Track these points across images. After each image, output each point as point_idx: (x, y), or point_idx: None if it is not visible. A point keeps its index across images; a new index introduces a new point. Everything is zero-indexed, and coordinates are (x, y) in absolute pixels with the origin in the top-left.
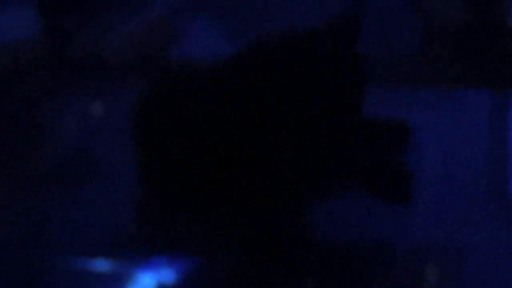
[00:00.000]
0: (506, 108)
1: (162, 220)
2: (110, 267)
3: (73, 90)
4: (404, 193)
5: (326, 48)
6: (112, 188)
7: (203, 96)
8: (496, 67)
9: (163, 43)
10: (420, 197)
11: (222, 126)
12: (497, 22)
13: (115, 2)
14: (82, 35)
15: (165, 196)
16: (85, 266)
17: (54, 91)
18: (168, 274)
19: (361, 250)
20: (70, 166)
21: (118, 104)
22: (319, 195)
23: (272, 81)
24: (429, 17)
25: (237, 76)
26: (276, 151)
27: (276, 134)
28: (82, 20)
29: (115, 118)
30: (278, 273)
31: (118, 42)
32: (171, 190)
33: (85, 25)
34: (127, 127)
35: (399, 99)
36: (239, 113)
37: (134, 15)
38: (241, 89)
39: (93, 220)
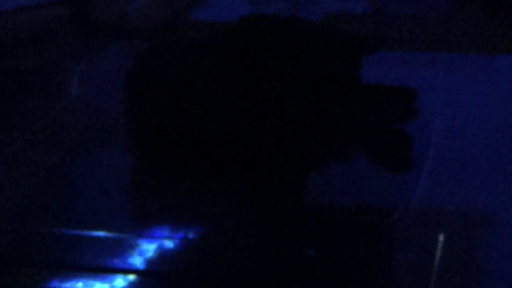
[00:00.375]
0: None
1: (163, 187)
2: (111, 234)
3: (96, 53)
4: (404, 159)
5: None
6: (117, 154)
7: (220, 59)
8: None
9: (187, 6)
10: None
11: (236, 88)
12: None
13: None
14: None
15: (167, 164)
16: (88, 233)
17: (76, 54)
18: (168, 241)
19: (364, 217)
20: (84, 129)
21: (139, 67)
22: (323, 160)
23: (284, 45)
24: None
25: (253, 39)
26: (282, 114)
27: (282, 98)
28: None
29: (135, 80)
30: (279, 240)
31: (141, 5)
32: (174, 157)
33: None
34: (145, 91)
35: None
36: (252, 75)
37: None
38: (255, 51)
39: (96, 187)
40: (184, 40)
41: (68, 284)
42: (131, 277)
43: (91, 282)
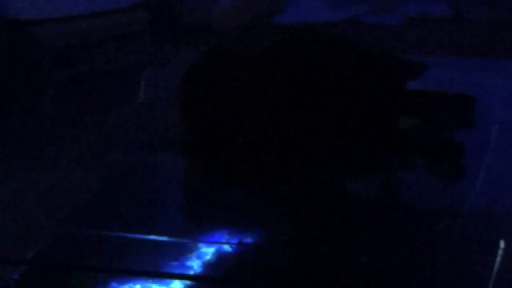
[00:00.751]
0: None
1: (221, 192)
2: (171, 239)
3: (181, 55)
4: (455, 168)
5: None
6: (177, 158)
7: (303, 63)
8: None
9: (269, 10)
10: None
11: (316, 90)
12: None
13: None
14: (190, 1)
15: (226, 168)
16: (149, 237)
17: (149, 58)
18: (226, 245)
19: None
20: (146, 132)
21: (223, 68)
22: (378, 167)
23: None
24: None
25: (336, 44)
26: (338, 123)
27: (338, 107)
28: None
29: (190, 85)
30: (335, 245)
31: (225, 8)
32: (233, 162)
33: None
34: (200, 95)
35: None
36: (305, 87)
37: None
38: (305, 64)
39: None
40: (242, 45)
41: (126, 286)
42: (188, 280)
43: (148, 285)
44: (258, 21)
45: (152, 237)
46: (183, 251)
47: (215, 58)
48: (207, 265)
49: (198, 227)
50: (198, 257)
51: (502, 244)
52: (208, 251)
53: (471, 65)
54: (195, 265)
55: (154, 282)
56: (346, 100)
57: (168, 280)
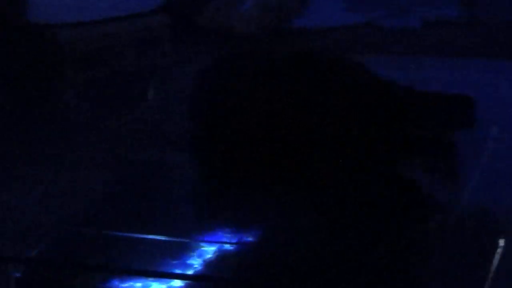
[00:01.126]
0: None
1: (224, 194)
2: (173, 238)
3: (200, 57)
4: (451, 170)
5: None
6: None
7: (319, 67)
8: None
9: (288, 14)
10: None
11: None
12: None
13: None
14: (211, 5)
15: (231, 168)
16: (151, 236)
17: (182, 59)
18: (227, 245)
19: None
20: (153, 134)
21: (242, 71)
22: (376, 169)
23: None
24: None
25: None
26: (339, 124)
27: (336, 110)
28: None
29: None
30: (339, 245)
31: (246, 12)
32: (238, 162)
33: None
34: (210, 97)
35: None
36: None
37: None
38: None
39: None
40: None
41: (126, 285)
42: (189, 279)
43: (149, 283)
44: (278, 25)
45: (155, 236)
46: (186, 249)
47: (230, 63)
48: (209, 264)
49: (203, 227)
50: (200, 256)
51: (501, 243)
52: (210, 249)
53: (487, 67)
54: (196, 264)
55: (154, 280)
56: (346, 112)
57: (168, 280)
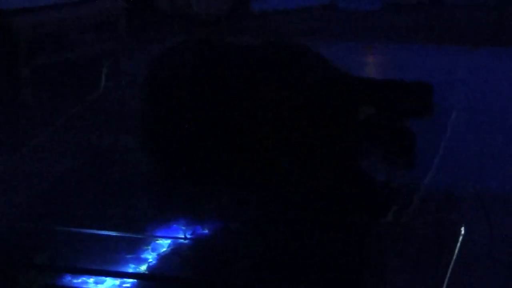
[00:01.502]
0: None
1: (176, 187)
2: (127, 232)
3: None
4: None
5: None
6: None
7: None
8: None
9: None
10: None
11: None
12: None
13: None
14: None
15: (181, 164)
16: (104, 231)
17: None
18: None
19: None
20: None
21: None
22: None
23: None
24: None
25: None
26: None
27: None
28: None
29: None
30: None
31: None
32: (188, 157)
33: None
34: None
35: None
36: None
37: None
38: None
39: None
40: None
41: (79, 280)
42: (142, 273)
43: (102, 278)
44: (237, 8)
45: (108, 232)
46: (140, 244)
47: (184, 52)
48: (162, 257)
49: (155, 222)
50: (154, 250)
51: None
52: (164, 243)
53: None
54: (150, 258)
55: (107, 275)
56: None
57: (121, 273)
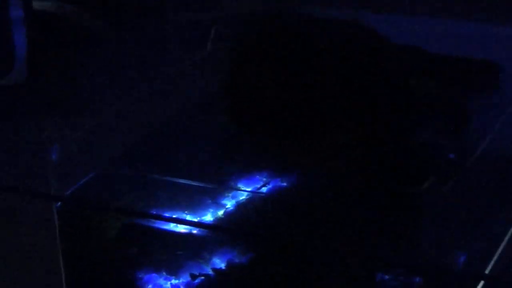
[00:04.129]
0: None
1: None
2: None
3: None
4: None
5: None
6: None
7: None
8: None
9: None
10: None
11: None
12: None
13: None
14: None
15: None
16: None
17: None
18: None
19: None
20: None
21: None
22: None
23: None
24: None
25: None
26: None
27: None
28: None
29: None
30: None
31: None
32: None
33: None
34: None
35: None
36: None
37: None
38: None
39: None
40: None
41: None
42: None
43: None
44: None
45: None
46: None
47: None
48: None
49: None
50: (234, 198)
51: None
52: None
53: None
54: (229, 204)
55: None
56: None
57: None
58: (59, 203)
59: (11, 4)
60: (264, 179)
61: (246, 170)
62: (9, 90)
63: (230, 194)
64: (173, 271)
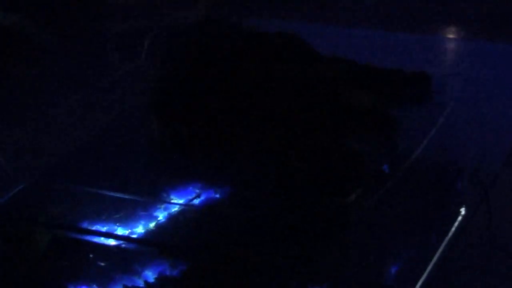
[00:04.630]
0: None
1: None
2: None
3: None
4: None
5: None
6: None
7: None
8: None
9: None
10: None
11: None
12: None
13: None
14: None
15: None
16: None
17: None
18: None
19: None
20: None
21: None
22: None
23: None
24: None
25: None
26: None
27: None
28: None
29: None
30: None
31: None
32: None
33: None
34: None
35: None
36: None
37: None
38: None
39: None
40: None
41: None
42: (151, 225)
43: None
44: None
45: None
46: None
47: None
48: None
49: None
50: (166, 210)
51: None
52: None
53: None
54: (161, 216)
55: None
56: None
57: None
58: None
59: None
60: (197, 190)
61: (179, 182)
62: None
63: (162, 206)
64: (104, 285)
